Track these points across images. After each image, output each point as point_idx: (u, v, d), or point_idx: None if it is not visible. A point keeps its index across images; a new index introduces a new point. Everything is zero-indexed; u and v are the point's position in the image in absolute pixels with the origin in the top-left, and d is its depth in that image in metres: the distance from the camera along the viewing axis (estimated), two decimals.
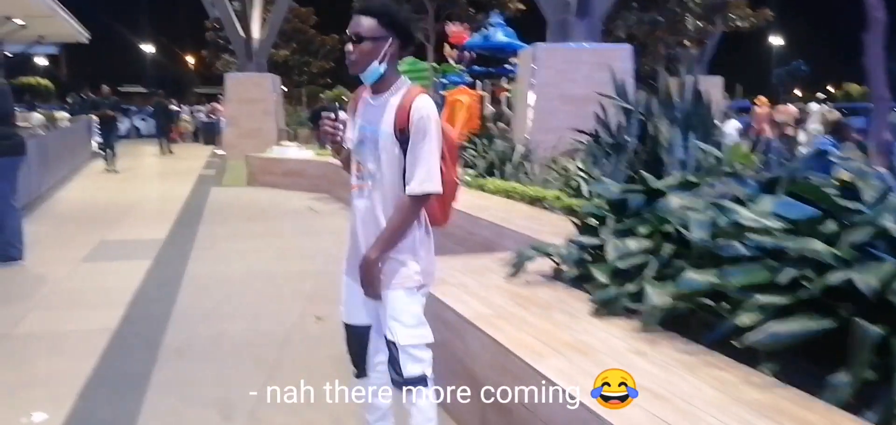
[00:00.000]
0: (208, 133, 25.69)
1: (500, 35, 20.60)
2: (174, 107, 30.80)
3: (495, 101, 20.79)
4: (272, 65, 25.11)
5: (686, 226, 3.11)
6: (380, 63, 2.36)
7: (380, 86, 2.41)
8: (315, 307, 5.16)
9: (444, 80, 20.59)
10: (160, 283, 5.94)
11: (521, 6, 14.98)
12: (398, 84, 2.41)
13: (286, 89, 30.76)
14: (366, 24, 2.34)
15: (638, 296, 3.04)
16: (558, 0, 10.01)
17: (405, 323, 2.39)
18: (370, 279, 2.38)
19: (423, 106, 2.33)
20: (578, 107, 9.19)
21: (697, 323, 2.82)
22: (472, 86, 20.43)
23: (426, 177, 2.32)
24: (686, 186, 3.78)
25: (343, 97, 42.39)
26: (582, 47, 9.66)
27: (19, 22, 20.06)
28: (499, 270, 3.92)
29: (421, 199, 2.37)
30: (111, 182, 13.45)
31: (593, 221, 3.93)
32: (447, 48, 22.39)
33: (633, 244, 3.30)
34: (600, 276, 3.30)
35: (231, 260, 6.91)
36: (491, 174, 8.46)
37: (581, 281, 3.57)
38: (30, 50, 25.84)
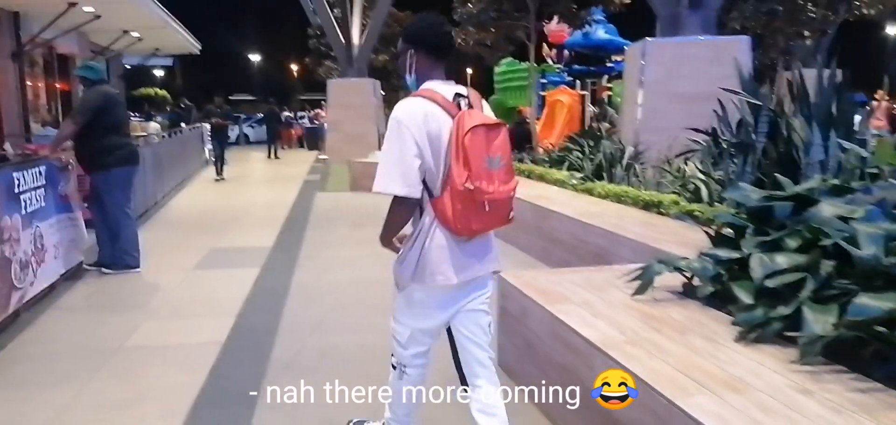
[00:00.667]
0: (312, 138, 26.28)
1: (601, 32, 20.00)
2: (288, 114, 31.80)
3: (596, 100, 20.28)
4: (372, 69, 25.41)
5: (850, 240, 2.71)
6: (409, 74, 2.63)
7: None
8: None
9: (543, 80, 20.22)
10: (268, 292, 5.93)
11: (627, 0, 14.38)
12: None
13: (385, 93, 31.14)
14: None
15: (792, 321, 2.66)
16: None
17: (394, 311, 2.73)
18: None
19: (395, 109, 2.50)
20: (691, 105, 8.66)
21: (869, 355, 2.43)
22: (572, 85, 20.01)
23: (377, 177, 2.52)
24: (837, 191, 3.34)
25: None
26: (696, 40, 9.09)
27: (135, 35, 21.19)
28: (622, 286, 3.60)
29: (395, 199, 2.54)
30: (221, 189, 13.87)
31: (729, 232, 3.54)
32: (545, 48, 21.98)
33: (782, 259, 2.91)
34: (744, 296, 2.93)
35: (337, 267, 6.86)
36: (599, 177, 8.08)
37: (718, 299, 3.21)
38: (147, 62, 27.26)
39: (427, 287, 2.55)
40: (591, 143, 9.23)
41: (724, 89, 6.17)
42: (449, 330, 2.67)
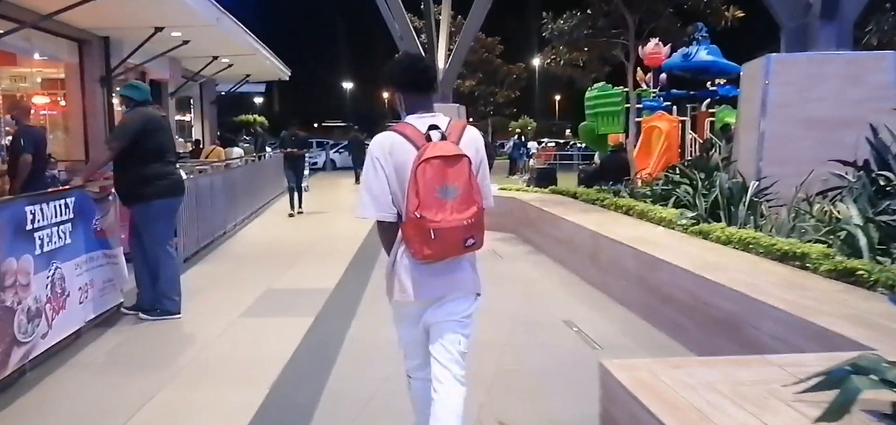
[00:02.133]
0: None
1: (703, 53, 18.34)
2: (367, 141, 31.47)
3: (697, 127, 18.65)
4: (458, 96, 24.69)
5: None
6: (403, 112, 2.84)
7: None
8: (499, 402, 3.93)
9: (638, 105, 18.75)
10: (316, 350, 5.02)
11: (740, 13, 12.86)
12: None
13: (472, 119, 30.31)
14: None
15: None
16: (797, 1, 8.13)
17: None
18: None
19: (371, 143, 2.77)
20: (828, 132, 7.30)
21: None
22: (669, 111, 18.44)
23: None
24: None
25: (528, 127, 41.66)
26: (832, 56, 7.69)
27: (226, 61, 21.20)
28: (791, 396, 2.43)
29: (377, 221, 2.77)
30: (295, 219, 13.25)
31: None
32: (639, 72, 20.54)
33: None
34: None
35: None
36: (715, 217, 6.80)
37: None
38: (239, 88, 27.43)
39: (395, 302, 2.81)
40: (703, 176, 7.92)
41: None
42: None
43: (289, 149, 13.79)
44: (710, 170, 8.27)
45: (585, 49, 13.23)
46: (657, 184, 9.10)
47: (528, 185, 11.80)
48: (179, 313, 5.74)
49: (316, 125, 58.37)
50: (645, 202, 8.34)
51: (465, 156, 2.66)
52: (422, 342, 2.88)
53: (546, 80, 53.61)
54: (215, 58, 20.87)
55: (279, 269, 7.88)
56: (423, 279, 2.72)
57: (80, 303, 5.19)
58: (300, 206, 13.50)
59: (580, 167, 14.39)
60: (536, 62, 48.53)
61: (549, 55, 12.71)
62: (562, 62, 13.53)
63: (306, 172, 14.91)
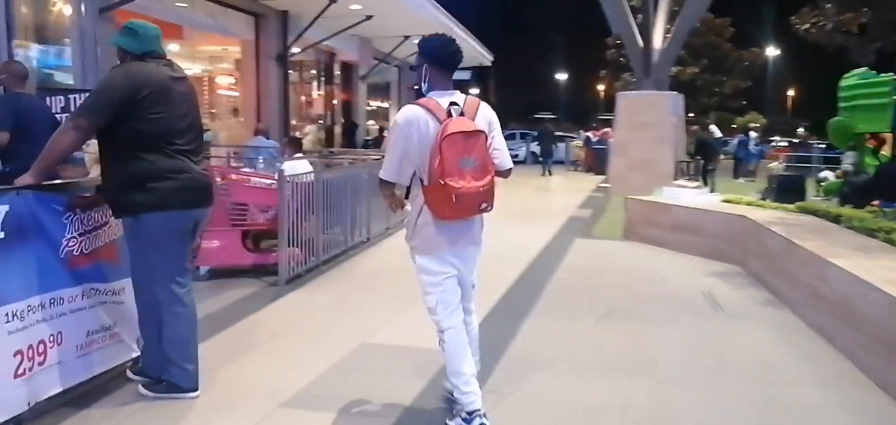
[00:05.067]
0: (597, 161, 22.93)
1: None
2: (574, 135, 28.88)
3: None
4: (676, 84, 21.35)
5: None
6: (424, 83, 3.26)
7: None
8: None
9: None
10: None
11: None
12: None
13: (693, 115, 26.48)
14: (415, 57, 3.35)
15: None
16: None
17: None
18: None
19: (397, 114, 3.24)
20: None
21: None
22: None
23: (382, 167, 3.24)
24: None
25: (755, 124, 36.28)
26: None
27: (417, 41, 19.73)
28: None
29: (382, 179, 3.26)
30: None
31: None
32: None
33: None
34: None
35: (552, 417, 3.47)
36: None
37: None
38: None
39: (424, 257, 3.28)
40: None
41: None
42: None
43: None
44: None
45: (865, 8, 9.34)
46: None
47: (765, 198, 8.57)
48: (196, 389, 3.73)
49: (528, 117, 56.73)
50: None
51: (482, 131, 3.19)
52: (453, 288, 3.32)
53: (779, 70, 47.06)
54: (407, 37, 19.45)
55: (396, 306, 5.69)
56: (444, 238, 3.23)
57: (51, 364, 3.39)
58: None
59: (848, 177, 10.71)
60: (770, 51, 42.58)
61: (808, 18, 9.19)
62: (829, 26, 9.62)
63: None
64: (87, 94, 3.78)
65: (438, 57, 3.24)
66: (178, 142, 3.61)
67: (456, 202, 3.06)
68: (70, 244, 3.57)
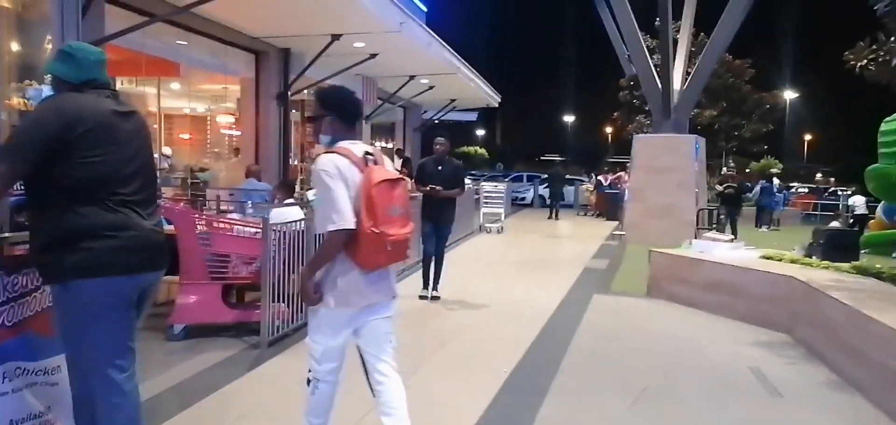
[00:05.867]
0: (608, 205, 22.18)
1: None
2: (583, 178, 28.21)
3: None
4: (693, 126, 20.71)
5: None
6: (325, 135, 3.18)
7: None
8: None
9: None
10: None
11: None
12: None
13: (710, 159, 25.70)
14: (314, 108, 3.26)
15: None
16: None
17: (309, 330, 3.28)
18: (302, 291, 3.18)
19: (317, 163, 3.08)
20: None
21: None
22: None
23: (318, 223, 3.11)
24: None
25: (775, 169, 35.46)
26: None
27: (425, 82, 19.08)
28: None
29: (331, 233, 3.02)
30: (468, 268, 10.29)
31: None
32: None
33: None
34: None
35: None
36: None
37: None
38: (445, 115, 25.41)
39: (335, 309, 3.11)
40: None
41: None
42: (359, 351, 3.28)
43: (428, 186, 7.69)
44: None
45: None
46: None
47: (810, 255, 7.72)
48: None
49: (535, 159, 56.30)
50: None
51: (404, 179, 3.22)
52: (343, 347, 3.26)
53: (798, 114, 46.40)
54: (412, 77, 18.82)
55: (418, 358, 4.88)
56: (365, 287, 3.12)
57: None
58: (435, 287, 7.93)
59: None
60: (788, 94, 41.89)
61: (865, 53, 8.41)
62: (895, 62, 8.65)
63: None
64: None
65: (344, 108, 3.22)
66: (122, 191, 2.84)
67: (391, 250, 3.06)
68: (9, 311, 2.82)
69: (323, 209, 3.03)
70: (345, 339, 3.22)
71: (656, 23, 18.90)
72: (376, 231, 2.96)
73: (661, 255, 8.65)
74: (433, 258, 7.82)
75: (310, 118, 3.34)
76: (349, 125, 3.21)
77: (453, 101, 23.37)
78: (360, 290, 3.11)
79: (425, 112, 25.78)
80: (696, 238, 10.14)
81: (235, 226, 6.47)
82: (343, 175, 2.99)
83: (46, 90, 8.50)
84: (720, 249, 8.36)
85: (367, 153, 3.10)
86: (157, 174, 3.19)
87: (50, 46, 9.40)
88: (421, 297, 7.81)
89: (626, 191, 17.13)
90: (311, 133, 3.47)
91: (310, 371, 3.26)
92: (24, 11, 7.32)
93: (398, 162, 16.58)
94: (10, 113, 6.52)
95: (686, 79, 17.20)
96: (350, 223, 2.97)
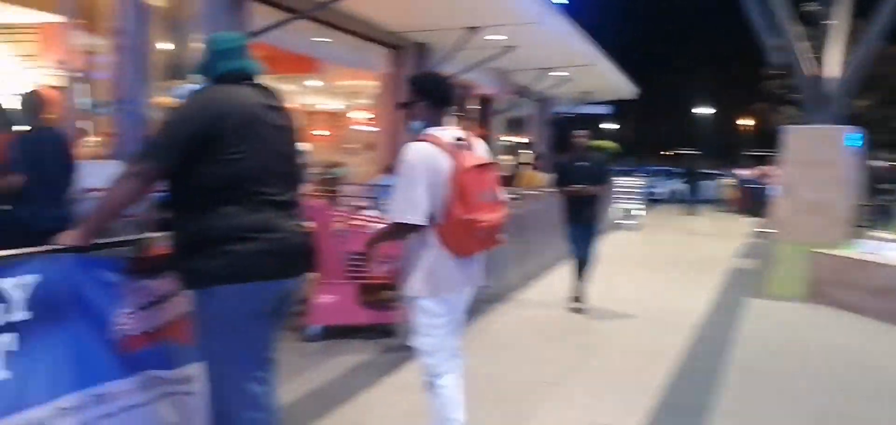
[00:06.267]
0: (751, 202, 20.78)
1: None
2: (721, 172, 26.66)
3: None
4: (850, 117, 18.99)
5: None
6: (416, 121, 3.19)
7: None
8: None
9: None
10: None
11: None
12: None
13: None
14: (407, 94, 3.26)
15: None
16: None
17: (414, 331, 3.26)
18: None
19: (405, 152, 3.09)
20: None
21: None
22: None
23: (392, 210, 3.15)
24: None
25: None
26: None
27: (560, 74, 18.57)
28: None
29: (397, 224, 3.11)
30: (606, 269, 9.79)
31: None
32: None
33: None
34: None
35: None
36: None
37: None
38: (578, 109, 24.81)
39: (429, 299, 3.13)
40: None
41: None
42: None
43: (572, 185, 7.07)
44: None
45: None
46: None
47: None
48: None
49: (666, 153, 53.98)
50: None
51: (494, 163, 3.23)
52: (449, 334, 3.23)
53: None
54: (547, 70, 18.39)
55: (541, 389, 4.60)
56: (459, 273, 3.14)
57: None
58: (582, 293, 7.28)
59: None
60: None
61: None
62: None
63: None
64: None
65: (434, 94, 3.21)
66: (267, 190, 2.70)
67: (481, 236, 3.07)
68: (124, 322, 2.78)
69: (400, 198, 3.05)
70: (448, 323, 3.21)
71: (806, 7, 17.50)
72: (468, 217, 2.96)
73: (824, 257, 7.87)
74: (582, 262, 7.19)
75: (402, 105, 3.28)
76: (441, 110, 3.19)
77: (589, 93, 22.73)
78: (452, 277, 3.12)
79: (557, 105, 25.24)
80: (862, 238, 9.15)
81: (372, 224, 6.39)
82: (428, 165, 3.00)
83: (191, 87, 8.82)
84: (893, 250, 7.47)
85: (458, 138, 3.09)
86: (303, 173, 3.06)
87: (197, 45, 9.81)
88: (572, 308, 7.18)
89: (775, 186, 15.93)
90: (404, 119, 3.31)
91: (425, 374, 3.23)
92: (174, 10, 7.57)
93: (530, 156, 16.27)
94: (158, 110, 6.77)
95: (841, 67, 15.75)
96: (422, 219, 3.01)
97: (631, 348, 5.87)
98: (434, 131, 3.10)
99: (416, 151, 3.04)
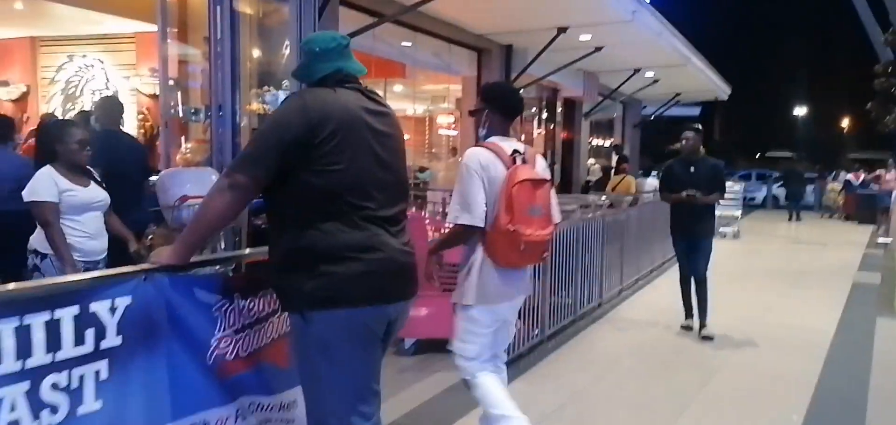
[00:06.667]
0: (860, 208, 19.45)
1: None
2: (824, 174, 25.15)
3: None
4: None
5: None
6: (482, 128, 3.29)
7: None
8: None
9: None
10: None
11: None
12: None
13: None
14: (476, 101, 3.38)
15: None
16: None
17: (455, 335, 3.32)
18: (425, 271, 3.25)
19: (465, 156, 3.22)
20: None
21: None
22: None
23: (449, 213, 3.25)
24: None
25: None
26: None
27: (650, 75, 17.90)
28: None
29: (459, 226, 3.18)
30: (711, 280, 9.17)
31: None
32: None
33: None
34: None
35: None
36: None
37: None
38: (667, 110, 23.91)
39: (475, 306, 3.19)
40: None
41: None
42: None
43: (682, 192, 6.31)
44: None
45: None
46: None
47: None
48: None
49: (758, 155, 51.62)
50: None
51: (548, 180, 3.23)
52: (492, 341, 3.32)
53: None
54: (636, 71, 17.74)
55: (658, 409, 4.18)
56: (506, 285, 3.20)
57: None
58: (703, 322, 6.33)
59: None
60: None
61: None
62: None
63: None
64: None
65: (503, 104, 3.28)
66: (369, 204, 2.41)
67: (523, 250, 3.06)
68: (221, 345, 2.55)
69: (458, 201, 3.12)
70: (494, 333, 3.29)
71: None
72: (512, 228, 3.00)
73: None
74: (694, 280, 6.40)
75: (472, 112, 3.38)
76: (507, 120, 3.26)
77: (678, 94, 21.87)
78: (497, 287, 3.16)
79: (645, 107, 24.43)
80: None
81: None
82: (485, 171, 3.08)
83: (283, 95, 8.77)
84: None
85: (515, 150, 3.15)
86: (409, 185, 2.79)
87: (287, 52, 9.71)
88: (683, 327, 6.46)
89: (892, 193, 14.76)
90: (473, 126, 3.36)
91: (463, 375, 3.31)
92: (264, 18, 7.52)
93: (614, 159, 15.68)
94: (250, 117, 6.70)
95: None
96: (479, 221, 3.07)
97: (754, 371, 5.32)
98: (496, 139, 3.19)
99: (475, 156, 3.13)
